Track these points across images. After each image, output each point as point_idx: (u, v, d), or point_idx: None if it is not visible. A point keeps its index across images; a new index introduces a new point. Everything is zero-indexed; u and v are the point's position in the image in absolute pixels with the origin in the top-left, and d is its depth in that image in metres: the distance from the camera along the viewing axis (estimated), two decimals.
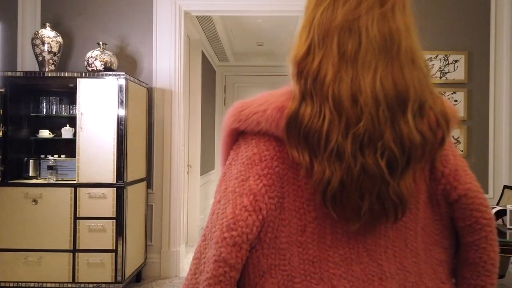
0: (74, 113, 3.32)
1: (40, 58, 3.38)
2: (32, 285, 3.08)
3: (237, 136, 0.75)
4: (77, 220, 3.07)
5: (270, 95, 0.73)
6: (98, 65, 3.35)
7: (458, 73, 3.68)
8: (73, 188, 3.08)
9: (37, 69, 3.47)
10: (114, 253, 3.07)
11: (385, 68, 0.67)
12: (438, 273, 0.73)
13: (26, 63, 3.69)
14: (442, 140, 0.71)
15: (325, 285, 0.67)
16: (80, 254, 3.06)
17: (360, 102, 0.65)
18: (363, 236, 0.69)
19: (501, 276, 2.68)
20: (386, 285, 0.68)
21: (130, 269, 3.22)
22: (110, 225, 3.07)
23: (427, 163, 0.72)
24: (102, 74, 3.18)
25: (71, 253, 3.07)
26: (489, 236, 0.73)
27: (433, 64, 3.68)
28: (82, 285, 3.07)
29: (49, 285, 3.07)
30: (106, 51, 3.43)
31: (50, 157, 3.35)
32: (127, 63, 3.74)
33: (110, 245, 3.06)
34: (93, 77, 3.17)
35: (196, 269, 0.70)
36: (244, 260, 0.67)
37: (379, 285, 0.68)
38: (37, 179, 3.29)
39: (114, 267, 3.06)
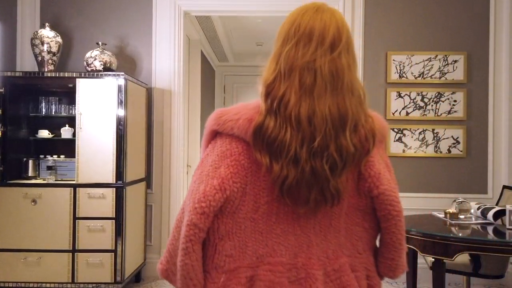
0: (73, 113, 3.32)
1: (40, 58, 3.38)
2: (31, 285, 3.08)
3: (215, 134, 0.98)
4: (76, 220, 3.07)
5: (244, 106, 0.95)
6: (98, 65, 3.35)
7: (458, 73, 3.68)
8: (72, 188, 3.08)
9: (36, 69, 3.46)
10: (113, 253, 3.06)
11: (332, 98, 0.90)
12: (356, 246, 1.00)
13: (26, 63, 3.68)
14: (368, 151, 0.95)
15: (269, 249, 0.93)
16: (80, 254, 3.06)
17: (314, 122, 0.88)
18: (298, 216, 0.94)
19: (500, 276, 2.68)
20: (312, 250, 0.95)
21: (129, 269, 3.22)
22: (110, 225, 3.07)
23: (356, 166, 0.96)
24: (101, 74, 3.18)
25: (71, 253, 3.07)
26: (398, 224, 0.98)
27: (432, 64, 3.68)
28: (82, 285, 3.06)
29: (48, 285, 3.07)
30: (106, 51, 3.43)
31: (49, 157, 3.35)
32: (127, 63, 3.74)
33: (109, 245, 3.06)
34: (93, 77, 3.17)
35: (178, 231, 0.94)
36: (209, 225, 0.91)
37: (307, 250, 0.95)
38: (36, 179, 3.28)
39: (113, 267, 3.06)
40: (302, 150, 0.88)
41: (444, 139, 3.68)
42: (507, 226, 2.36)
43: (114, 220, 3.07)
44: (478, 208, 2.62)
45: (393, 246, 1.00)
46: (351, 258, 0.99)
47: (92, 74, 3.20)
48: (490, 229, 2.42)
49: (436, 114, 3.68)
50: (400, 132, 3.69)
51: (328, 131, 0.89)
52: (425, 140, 3.68)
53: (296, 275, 0.93)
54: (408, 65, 3.68)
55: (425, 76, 3.69)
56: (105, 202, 3.07)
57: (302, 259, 0.94)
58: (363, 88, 0.96)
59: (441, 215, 2.69)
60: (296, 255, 0.94)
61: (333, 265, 0.96)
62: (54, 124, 3.55)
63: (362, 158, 0.94)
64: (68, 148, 3.38)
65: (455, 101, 3.68)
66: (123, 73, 3.16)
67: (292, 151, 0.88)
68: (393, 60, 3.69)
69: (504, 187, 3.07)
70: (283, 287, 0.91)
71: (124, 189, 3.10)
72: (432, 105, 3.69)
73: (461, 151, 3.66)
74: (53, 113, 3.48)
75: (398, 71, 3.69)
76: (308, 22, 0.93)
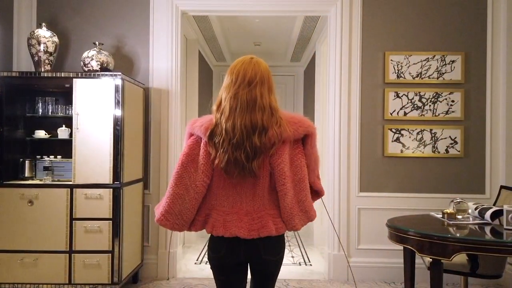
0: (70, 113, 3.30)
1: (36, 58, 3.36)
2: (28, 286, 3.06)
3: (192, 134, 1.64)
4: (73, 221, 3.06)
5: (204, 118, 1.61)
6: (95, 65, 3.34)
7: (455, 74, 3.68)
8: (69, 189, 3.07)
9: (33, 69, 3.45)
10: (110, 254, 3.05)
11: (248, 114, 1.53)
12: (274, 203, 1.61)
13: (22, 63, 3.67)
14: (273, 146, 1.54)
15: (217, 202, 1.61)
16: (77, 255, 3.05)
17: (235, 129, 1.52)
18: (235, 186, 1.59)
19: (498, 276, 2.68)
20: (243, 206, 1.59)
21: (126, 270, 3.21)
22: (107, 226, 3.05)
23: (266, 156, 1.56)
24: (98, 74, 3.16)
25: (68, 254, 3.05)
26: (285, 196, 1.57)
27: (430, 65, 3.68)
28: (79, 286, 3.05)
29: (45, 286, 3.06)
30: (103, 51, 3.41)
31: (46, 158, 3.33)
32: (124, 63, 3.73)
33: (106, 246, 3.05)
34: (90, 77, 3.16)
35: (183, 200, 1.58)
36: (205, 191, 1.61)
37: (240, 205, 1.59)
38: (33, 179, 3.27)
39: (110, 268, 3.05)
40: (229, 146, 1.52)
41: (442, 139, 3.68)
42: (505, 226, 2.36)
43: (111, 221, 3.06)
44: (476, 208, 2.62)
45: (283, 209, 1.59)
46: (273, 211, 1.61)
47: (89, 74, 3.19)
48: (487, 229, 2.42)
49: (434, 114, 3.68)
50: (398, 132, 3.69)
51: (243, 135, 1.51)
52: (423, 140, 3.68)
53: (231, 217, 1.58)
54: (406, 65, 3.68)
55: (423, 76, 3.69)
56: (102, 202, 3.06)
57: (236, 209, 1.59)
58: (275, 107, 1.57)
59: (439, 215, 2.69)
60: (233, 207, 1.60)
61: (257, 214, 1.59)
62: (51, 124, 3.53)
63: (269, 149, 1.53)
64: (65, 148, 3.37)
65: (452, 101, 3.68)
66: (120, 73, 3.15)
67: (225, 146, 1.53)
68: (391, 60, 3.69)
69: (502, 187, 3.07)
70: (219, 222, 1.58)
71: (121, 190, 3.09)
72: (430, 105, 3.69)
73: (459, 151, 3.66)
74: (50, 114, 3.46)
75: (396, 71, 3.69)
76: (238, 70, 1.58)
